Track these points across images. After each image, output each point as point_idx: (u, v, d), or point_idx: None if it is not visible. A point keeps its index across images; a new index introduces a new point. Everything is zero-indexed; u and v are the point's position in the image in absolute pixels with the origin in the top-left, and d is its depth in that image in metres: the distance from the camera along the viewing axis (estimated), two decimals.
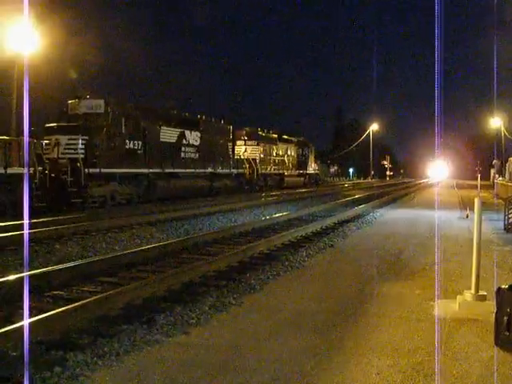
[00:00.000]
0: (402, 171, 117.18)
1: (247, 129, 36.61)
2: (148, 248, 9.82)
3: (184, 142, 25.30)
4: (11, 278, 6.95)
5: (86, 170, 18.40)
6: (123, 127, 20.59)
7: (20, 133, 22.66)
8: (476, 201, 6.39)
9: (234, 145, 32.22)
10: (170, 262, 9.05)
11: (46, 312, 5.27)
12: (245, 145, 35.38)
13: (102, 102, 20.09)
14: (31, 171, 16.47)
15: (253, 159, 34.26)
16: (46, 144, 18.73)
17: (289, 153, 42.03)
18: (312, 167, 48.32)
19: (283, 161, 40.45)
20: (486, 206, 19.99)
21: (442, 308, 6.24)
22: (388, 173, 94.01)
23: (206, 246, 10.83)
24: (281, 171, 39.71)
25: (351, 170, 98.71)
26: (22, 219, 12.36)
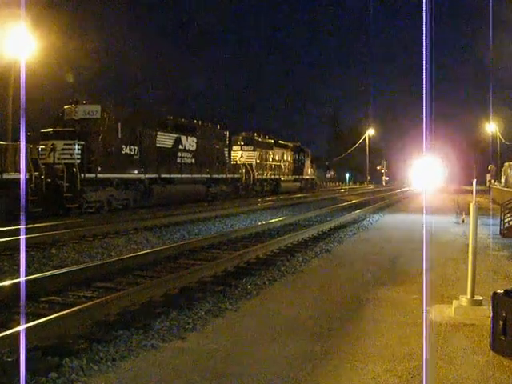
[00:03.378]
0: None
1: (243, 134, 36.66)
2: (144, 253, 9.81)
3: (180, 147, 25.30)
4: (7, 283, 6.93)
5: (82, 175, 18.35)
6: (119, 132, 20.56)
7: (16, 138, 22.67)
8: (472, 206, 6.41)
9: (230, 150, 32.26)
10: (167, 267, 9.04)
11: (42, 317, 5.26)
12: (241, 150, 35.40)
13: (98, 107, 20.08)
14: (27, 176, 16.44)
15: (249, 164, 34.28)
16: (41, 149, 18.71)
17: (285, 158, 42.08)
18: (308, 172, 48.36)
19: (279, 166, 40.49)
20: (481, 211, 20.07)
21: (437, 313, 6.25)
22: (384, 178, 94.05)
23: (202, 251, 10.82)
24: (277, 176, 39.73)
25: (347, 175, 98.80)
26: (18, 224, 12.34)
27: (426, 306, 6.51)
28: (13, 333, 4.70)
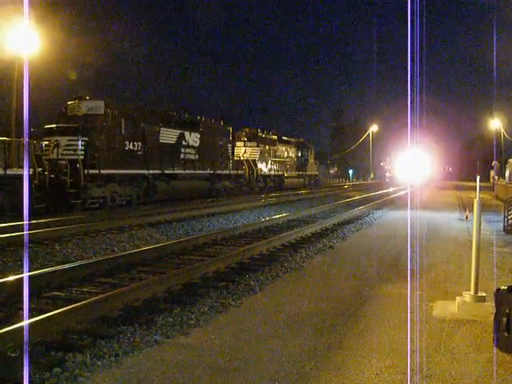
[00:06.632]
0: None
1: (247, 130, 36.64)
2: (147, 249, 9.82)
3: (184, 143, 25.31)
4: (11, 278, 6.95)
5: (86, 171, 18.39)
6: (123, 128, 20.59)
7: (20, 134, 22.69)
8: (475, 202, 6.39)
9: (233, 146, 32.23)
10: (170, 263, 9.05)
11: (45, 313, 5.27)
12: (244, 146, 35.38)
13: (101, 103, 20.09)
14: (31, 172, 16.47)
15: (252, 160, 34.26)
16: (45, 145, 18.75)
17: (288, 154, 42.05)
18: (312, 168, 48.31)
19: (283, 162, 40.47)
20: (485, 207, 20.03)
21: (441, 309, 6.24)
22: (388, 174, 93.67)
23: (205, 247, 10.83)
24: (280, 172, 39.71)
25: (351, 172, 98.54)
26: (22, 220, 12.37)
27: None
28: (16, 328, 4.71)
